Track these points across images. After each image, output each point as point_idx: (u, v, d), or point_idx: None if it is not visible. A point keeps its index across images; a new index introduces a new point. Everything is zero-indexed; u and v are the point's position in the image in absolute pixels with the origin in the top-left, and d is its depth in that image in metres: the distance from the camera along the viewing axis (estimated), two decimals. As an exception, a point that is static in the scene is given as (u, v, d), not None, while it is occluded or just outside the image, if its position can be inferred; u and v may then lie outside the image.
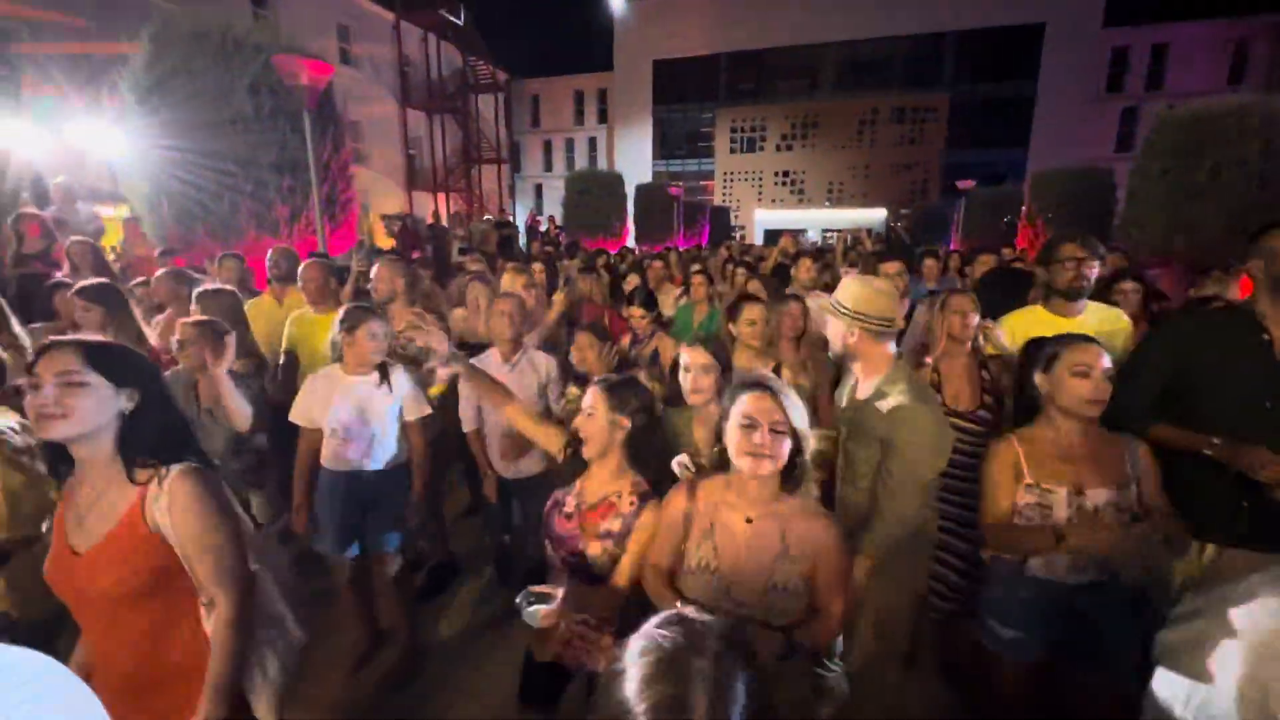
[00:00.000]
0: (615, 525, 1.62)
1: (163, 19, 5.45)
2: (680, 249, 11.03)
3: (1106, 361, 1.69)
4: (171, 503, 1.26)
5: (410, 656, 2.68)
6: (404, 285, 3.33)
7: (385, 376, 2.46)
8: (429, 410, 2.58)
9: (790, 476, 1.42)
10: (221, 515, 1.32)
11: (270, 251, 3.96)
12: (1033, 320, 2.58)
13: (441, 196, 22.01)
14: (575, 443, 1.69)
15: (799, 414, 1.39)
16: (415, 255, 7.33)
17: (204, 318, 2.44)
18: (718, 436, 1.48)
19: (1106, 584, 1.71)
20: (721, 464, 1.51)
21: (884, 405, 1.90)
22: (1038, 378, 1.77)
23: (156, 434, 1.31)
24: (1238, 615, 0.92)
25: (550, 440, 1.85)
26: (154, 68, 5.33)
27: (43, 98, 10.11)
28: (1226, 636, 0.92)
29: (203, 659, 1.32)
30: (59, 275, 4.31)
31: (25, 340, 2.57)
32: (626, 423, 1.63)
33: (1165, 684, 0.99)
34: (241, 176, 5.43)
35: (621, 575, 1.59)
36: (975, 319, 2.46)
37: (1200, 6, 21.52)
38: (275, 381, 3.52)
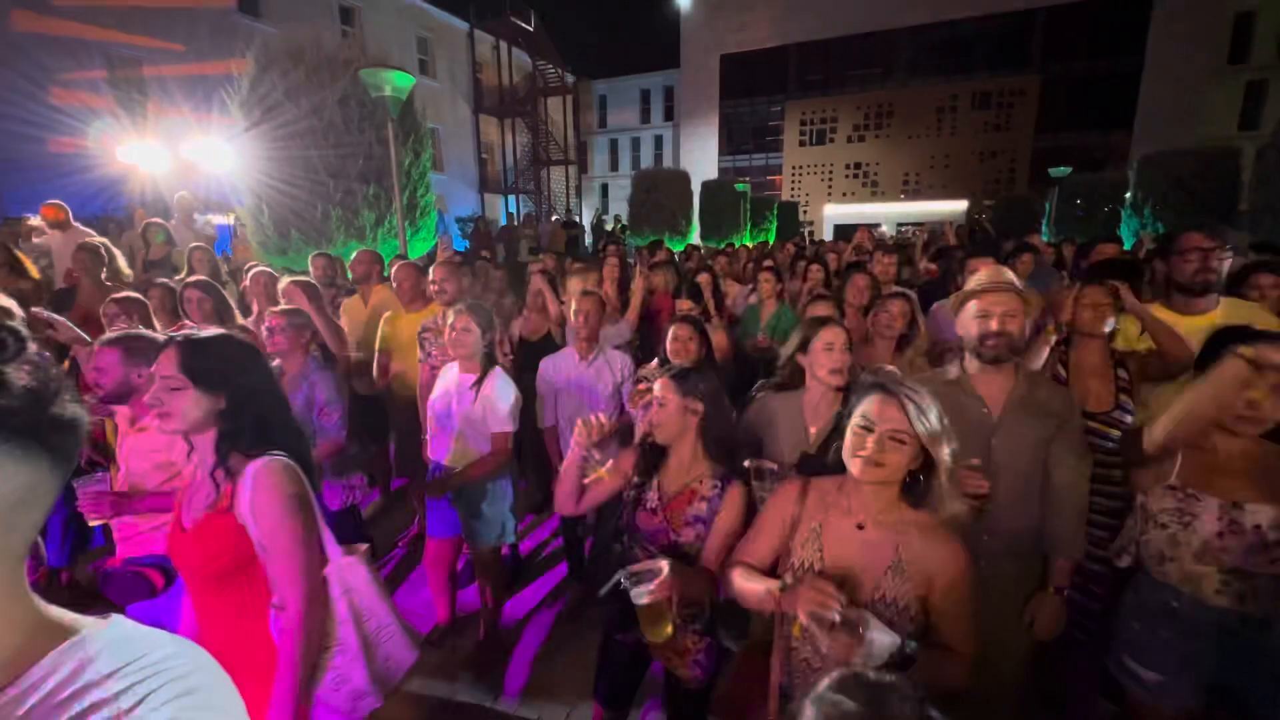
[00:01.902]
0: (702, 509, 1.64)
1: (263, 40, 5.90)
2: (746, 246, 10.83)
3: None
4: (252, 495, 1.29)
5: (491, 648, 2.76)
6: (462, 287, 3.45)
7: (480, 380, 2.46)
8: (510, 427, 2.48)
9: (912, 490, 1.32)
10: (295, 514, 1.31)
11: (353, 256, 4.21)
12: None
13: (513, 198, 22.70)
14: (645, 440, 1.71)
15: (934, 425, 1.25)
16: (485, 255, 7.59)
17: (291, 308, 2.64)
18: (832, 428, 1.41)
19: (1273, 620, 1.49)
20: (830, 460, 1.41)
21: (1042, 402, 1.77)
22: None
23: (248, 430, 1.34)
24: None
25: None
26: (256, 86, 5.77)
27: (166, 119, 11.23)
28: None
29: (273, 660, 1.32)
30: (179, 279, 4.76)
31: (159, 337, 2.90)
32: (699, 407, 1.65)
33: None
34: (332, 185, 5.79)
35: (710, 559, 1.59)
36: (1109, 310, 2.24)
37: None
38: (362, 377, 3.77)
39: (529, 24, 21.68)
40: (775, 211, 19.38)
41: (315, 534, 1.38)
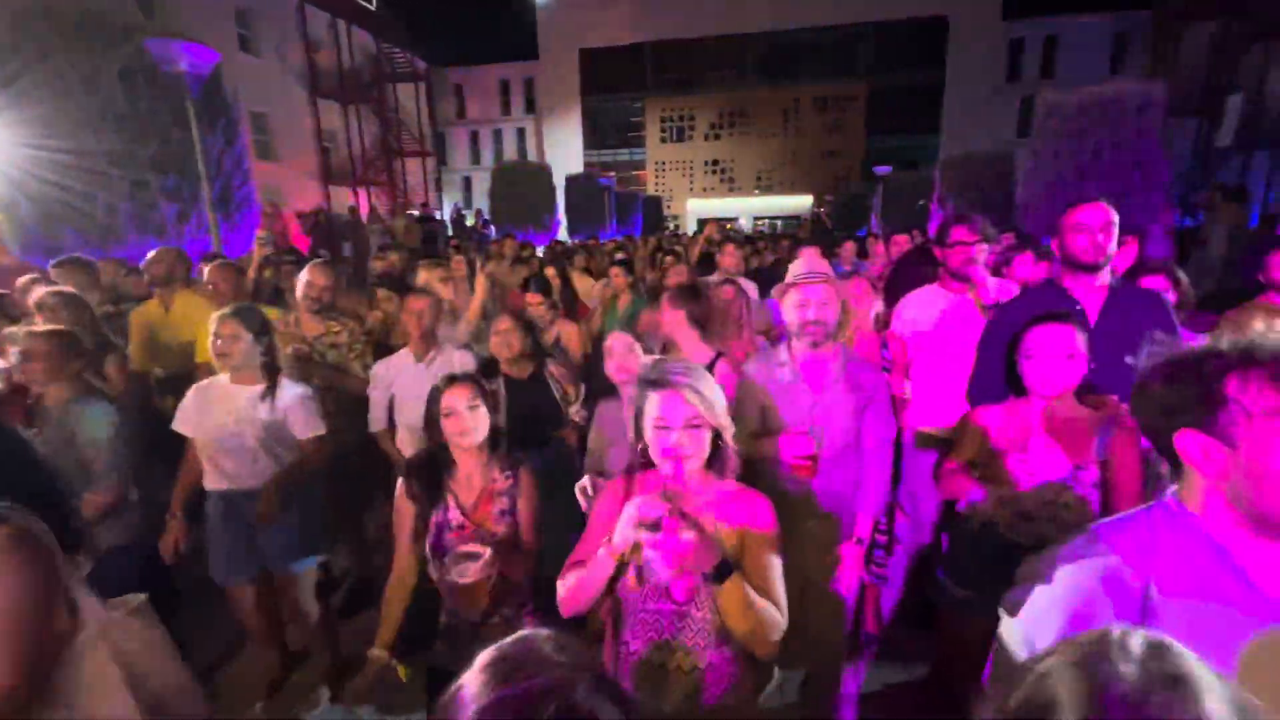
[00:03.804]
0: (505, 502, 1.74)
1: (11, -2, 4.85)
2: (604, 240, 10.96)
3: (1075, 343, 1.67)
4: None
5: (329, 677, 2.54)
6: (334, 293, 3.17)
7: (271, 388, 2.25)
8: (322, 427, 2.36)
9: (715, 463, 1.37)
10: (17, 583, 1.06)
11: (148, 255, 3.64)
12: (930, 297, 2.71)
13: (362, 191, 20.94)
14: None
15: (716, 403, 1.32)
16: (323, 253, 6.92)
17: (53, 328, 2.20)
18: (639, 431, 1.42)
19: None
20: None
21: (855, 378, 1.95)
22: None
23: None
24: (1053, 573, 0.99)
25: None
26: (3, 54, 4.74)
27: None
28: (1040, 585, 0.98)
29: None
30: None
31: None
32: (499, 421, 1.78)
33: (1006, 631, 1.03)
34: (116, 175, 4.92)
35: (530, 540, 1.73)
36: (870, 299, 2.55)
37: (1086, 0, 23.24)
38: (163, 398, 3.30)
39: (369, 2, 20.08)
40: (641, 206, 19.83)
41: (36, 606, 1.09)
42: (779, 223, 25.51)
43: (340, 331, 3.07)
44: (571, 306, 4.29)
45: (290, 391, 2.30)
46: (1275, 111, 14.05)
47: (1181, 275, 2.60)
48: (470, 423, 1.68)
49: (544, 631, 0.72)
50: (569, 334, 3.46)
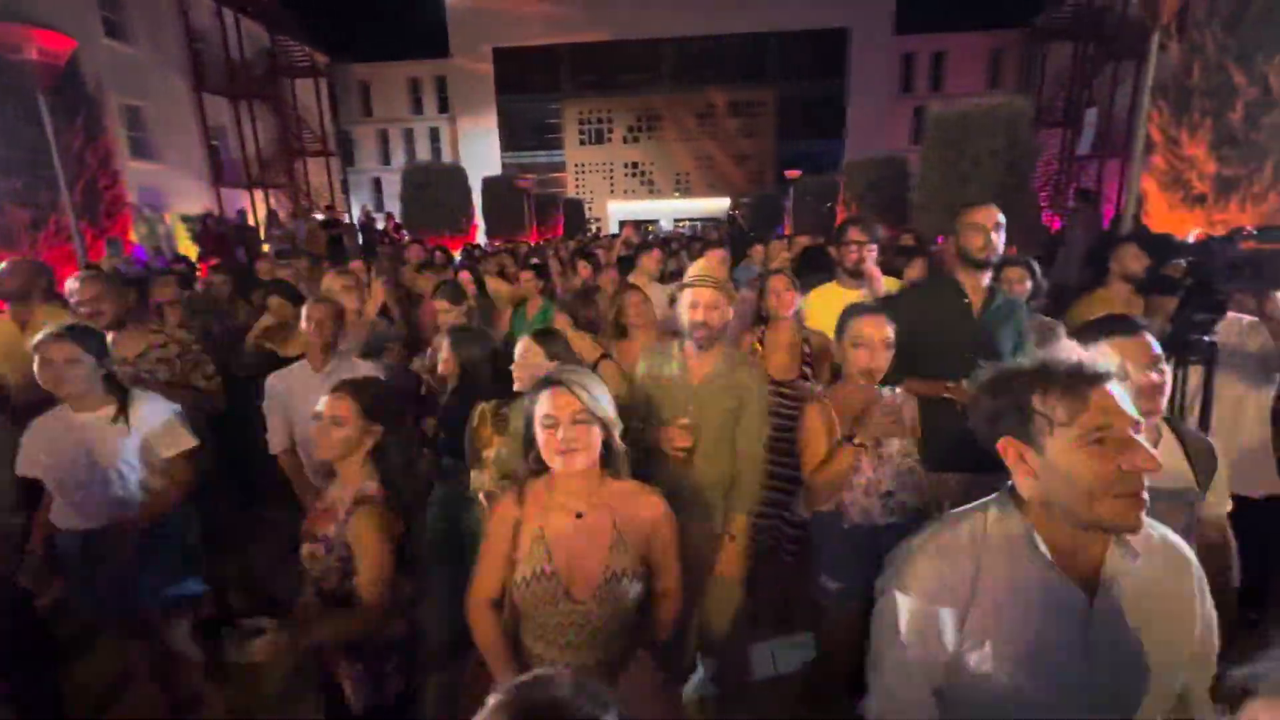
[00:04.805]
0: (330, 530, 1.57)
1: None
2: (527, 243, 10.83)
3: (888, 331, 1.84)
4: None
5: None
6: (117, 304, 2.86)
7: (122, 409, 2.03)
8: (192, 441, 2.17)
9: (608, 461, 1.42)
10: None
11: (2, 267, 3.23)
12: (829, 294, 2.88)
13: (260, 193, 19.45)
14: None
15: (602, 400, 1.38)
16: (214, 261, 6.37)
17: None
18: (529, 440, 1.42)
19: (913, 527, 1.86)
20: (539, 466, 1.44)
21: (733, 379, 2.01)
22: (834, 346, 1.94)
23: None
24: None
25: None
26: None
27: None
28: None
29: None
30: None
31: None
32: (379, 430, 1.59)
33: (878, 609, 1.13)
34: (-50, 174, 4.31)
35: (362, 594, 1.51)
36: (792, 295, 2.67)
37: (966, 18, 25.35)
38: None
39: (261, -9, 18.72)
40: (562, 209, 19.69)
41: None
42: (699, 224, 26.12)
43: (167, 344, 2.83)
44: (488, 314, 4.19)
45: (147, 407, 2.08)
46: (1123, 124, 15.94)
47: (1036, 269, 2.93)
48: (325, 436, 1.56)
49: (564, 671, 0.73)
50: None
